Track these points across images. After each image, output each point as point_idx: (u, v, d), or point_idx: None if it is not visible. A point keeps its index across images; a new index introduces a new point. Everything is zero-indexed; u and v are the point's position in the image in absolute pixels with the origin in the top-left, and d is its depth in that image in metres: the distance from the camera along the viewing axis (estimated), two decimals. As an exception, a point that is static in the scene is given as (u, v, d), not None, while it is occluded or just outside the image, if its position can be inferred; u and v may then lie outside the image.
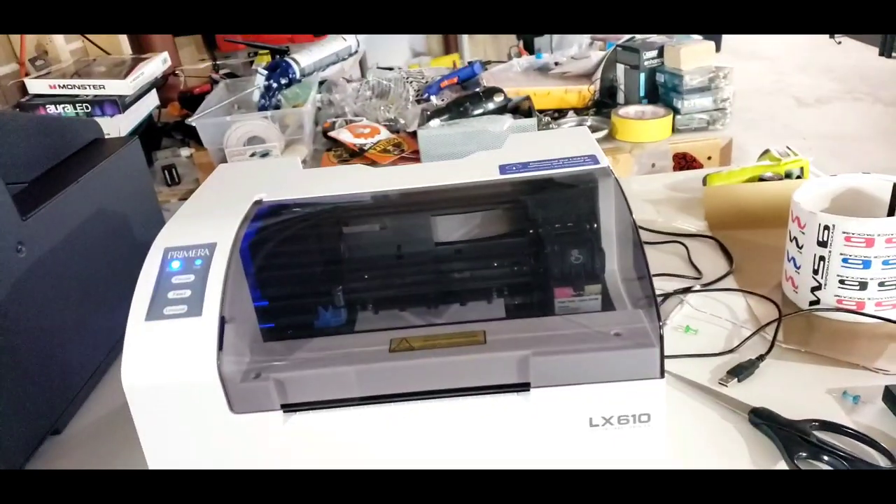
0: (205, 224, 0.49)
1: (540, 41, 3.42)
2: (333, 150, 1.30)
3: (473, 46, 3.42)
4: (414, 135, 1.25)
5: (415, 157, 1.20)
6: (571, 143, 0.56)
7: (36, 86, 1.21)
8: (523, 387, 0.43)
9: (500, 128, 1.14)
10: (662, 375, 0.42)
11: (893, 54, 4.59)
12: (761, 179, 0.94)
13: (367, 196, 0.53)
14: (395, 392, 0.44)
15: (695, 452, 0.56)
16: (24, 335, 0.62)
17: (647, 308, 0.44)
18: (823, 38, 5.44)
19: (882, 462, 0.52)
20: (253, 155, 1.20)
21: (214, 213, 0.51)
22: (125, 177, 0.85)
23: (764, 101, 4.08)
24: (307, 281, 0.54)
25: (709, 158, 1.16)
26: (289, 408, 0.44)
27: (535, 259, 0.52)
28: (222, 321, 0.43)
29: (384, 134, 1.28)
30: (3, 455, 0.58)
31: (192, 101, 1.63)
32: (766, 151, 1.00)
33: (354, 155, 1.28)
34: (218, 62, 1.82)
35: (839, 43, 5.27)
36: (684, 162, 1.17)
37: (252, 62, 1.91)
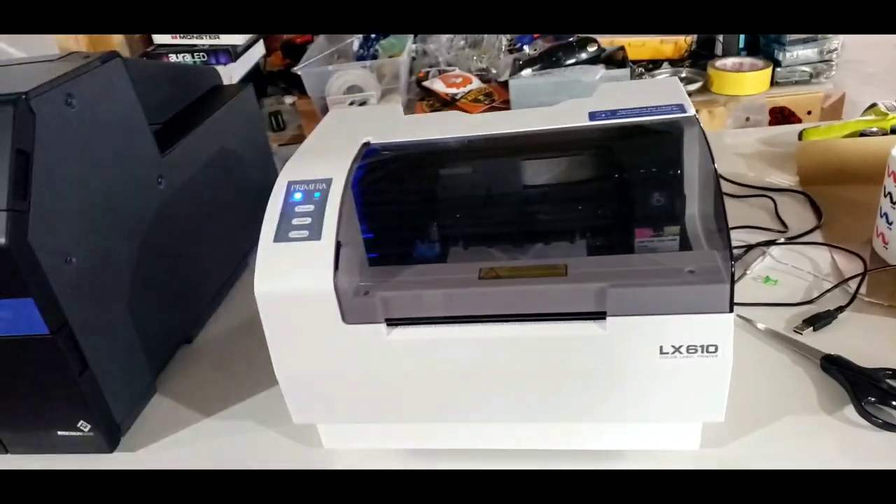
0: (322, 162, 0.56)
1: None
2: (426, 100, 1.35)
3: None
4: (505, 84, 1.28)
5: (505, 106, 1.23)
6: (661, 92, 0.59)
7: (161, 37, 1.32)
8: (600, 315, 0.48)
9: (591, 78, 1.15)
10: (731, 310, 0.45)
11: None
12: (862, 135, 0.92)
13: (462, 140, 0.59)
14: (482, 314, 0.50)
15: (765, 395, 0.59)
16: (163, 257, 0.72)
17: (721, 249, 0.47)
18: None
19: (951, 410, 0.54)
20: (352, 103, 1.27)
21: (329, 152, 0.58)
22: (241, 120, 0.94)
23: (887, 54, 3.78)
24: (407, 216, 0.61)
25: (808, 113, 1.13)
26: (392, 322, 0.51)
27: (618, 201, 0.56)
28: (338, 245, 0.50)
29: (476, 83, 1.32)
30: (146, 361, 0.69)
31: (293, 50, 1.72)
32: (873, 105, 0.98)
33: (446, 104, 1.32)
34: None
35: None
36: (781, 117, 1.15)
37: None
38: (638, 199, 0.54)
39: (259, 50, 1.45)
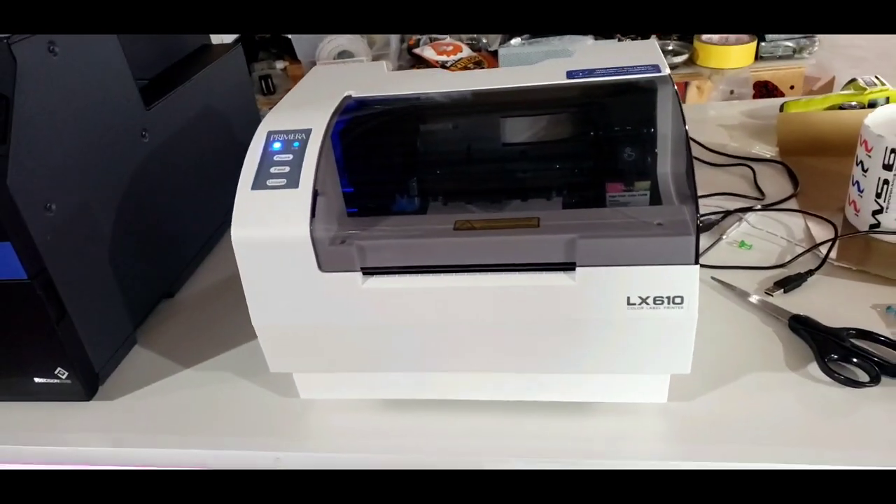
0: (302, 113, 0.56)
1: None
2: (416, 66, 1.35)
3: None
4: (495, 54, 1.28)
5: (495, 75, 1.24)
6: (638, 53, 0.60)
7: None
8: (570, 266, 0.49)
9: (580, 47, 1.15)
10: (696, 262, 0.46)
11: None
12: (841, 108, 0.93)
13: (443, 96, 0.59)
14: (456, 264, 0.51)
15: (735, 352, 0.60)
16: (146, 210, 0.73)
17: (688, 203, 0.48)
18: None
19: (911, 366, 0.55)
20: (341, 68, 1.27)
21: (310, 104, 0.58)
22: (229, 79, 0.94)
23: (878, 39, 3.78)
24: (387, 169, 0.61)
25: (791, 88, 1.14)
26: (367, 270, 0.52)
27: (592, 157, 0.57)
28: (315, 193, 0.51)
29: (466, 52, 1.32)
30: (126, 312, 0.69)
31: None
32: (853, 80, 0.98)
33: (437, 73, 1.33)
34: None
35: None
36: (765, 90, 1.15)
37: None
38: (610, 154, 0.55)
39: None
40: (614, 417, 0.56)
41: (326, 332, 0.54)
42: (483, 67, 1.29)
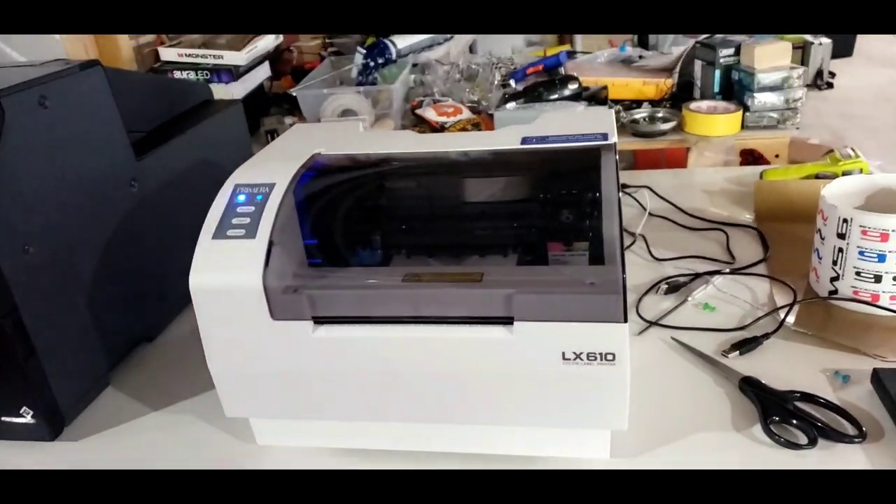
0: (269, 168, 0.60)
1: (654, 37, 3.36)
2: (419, 126, 1.40)
3: (585, 38, 3.40)
4: (493, 117, 1.33)
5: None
6: (593, 121, 0.63)
7: (167, 54, 1.39)
8: (508, 320, 0.51)
9: (574, 110, 1.20)
10: (625, 320, 0.48)
11: None
12: (817, 177, 0.95)
13: (406, 156, 0.63)
14: (402, 315, 0.53)
15: (685, 412, 0.61)
16: (131, 256, 0.76)
17: (616, 264, 0.50)
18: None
19: (850, 430, 0.55)
20: (342, 126, 1.32)
21: (279, 160, 0.62)
22: (227, 134, 0.99)
23: (889, 112, 3.80)
24: (349, 223, 0.64)
25: (776, 156, 1.16)
26: (318, 319, 0.54)
27: (540, 218, 0.60)
28: (270, 244, 0.54)
29: (466, 114, 1.37)
30: (101, 355, 0.72)
31: (303, 74, 1.79)
32: (830, 151, 1.01)
33: (435, 131, 1.37)
34: (332, 40, 1.97)
35: None
36: (751, 158, 1.18)
37: (364, 42, 2.05)
38: (555, 216, 0.57)
39: (264, 71, 1.52)
40: (559, 471, 0.56)
41: (279, 379, 0.57)
42: (480, 129, 1.34)
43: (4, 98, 0.60)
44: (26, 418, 0.64)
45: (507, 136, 0.63)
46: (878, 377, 0.60)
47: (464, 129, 1.37)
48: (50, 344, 0.64)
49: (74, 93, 0.69)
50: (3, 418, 0.64)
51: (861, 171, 0.94)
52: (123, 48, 1.38)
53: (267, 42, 1.50)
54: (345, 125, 0.74)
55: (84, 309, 0.69)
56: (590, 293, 0.49)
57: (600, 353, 0.50)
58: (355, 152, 0.64)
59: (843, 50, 3.88)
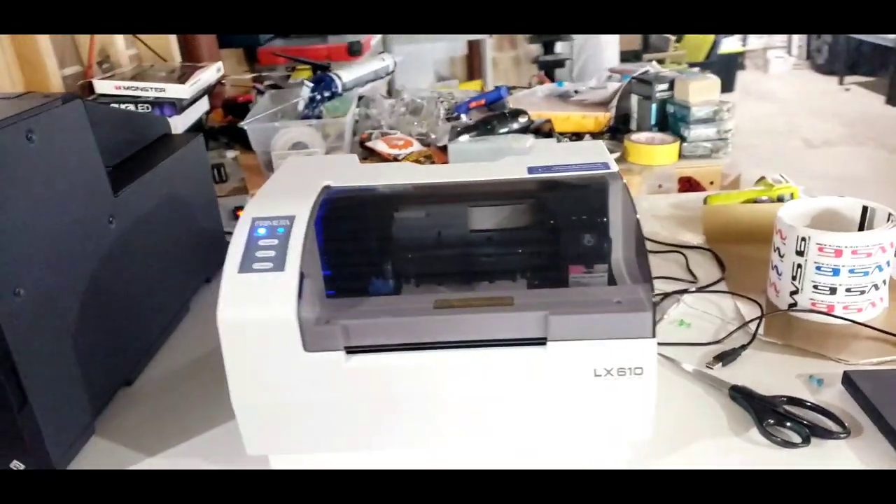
0: (284, 201, 0.60)
1: (560, 72, 3.56)
2: (369, 159, 1.41)
3: (496, 73, 3.55)
4: (443, 149, 1.36)
5: (442, 168, 1.31)
6: (588, 152, 0.67)
7: (103, 86, 1.33)
8: (541, 341, 0.53)
9: (523, 145, 1.24)
10: (654, 336, 0.52)
11: (898, 103, 4.65)
12: (755, 202, 1.05)
13: (417, 187, 0.64)
14: (436, 341, 0.54)
15: (683, 421, 0.65)
16: (108, 297, 0.73)
17: (643, 283, 0.54)
18: (833, 84, 5.58)
19: (835, 428, 0.62)
20: (294, 159, 1.32)
21: (291, 193, 0.62)
22: (191, 168, 0.97)
23: (775, 142, 4.21)
24: (363, 255, 0.65)
25: (711, 183, 1.27)
26: (350, 349, 0.54)
27: (555, 243, 0.63)
28: (301, 276, 0.54)
29: (416, 146, 1.40)
30: (87, 400, 0.68)
31: (235, 108, 1.76)
32: (762, 178, 1.11)
33: (386, 164, 1.39)
34: (261, 74, 1.95)
35: (847, 90, 5.41)
36: (688, 185, 1.28)
37: (289, 76, 2.05)
38: (571, 241, 0.61)
39: (203, 105, 1.49)
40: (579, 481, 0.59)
41: (308, 411, 0.56)
42: (433, 161, 1.37)
43: (-4, 133, 0.57)
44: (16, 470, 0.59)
45: (510, 166, 0.66)
46: (849, 379, 0.67)
47: (417, 161, 1.40)
48: (40, 391, 0.60)
49: (58, 127, 0.66)
50: (-10, 473, 0.59)
51: (792, 195, 1.05)
52: (52, 77, 1.31)
53: (210, 75, 1.47)
54: (340, 157, 0.75)
55: (70, 354, 0.65)
56: (621, 311, 0.52)
57: (629, 368, 0.53)
58: (363, 184, 0.65)
59: (725, 86, 4.27)
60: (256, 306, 0.53)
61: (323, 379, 0.55)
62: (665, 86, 1.33)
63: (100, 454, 0.67)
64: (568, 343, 0.53)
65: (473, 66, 3.43)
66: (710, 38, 4.85)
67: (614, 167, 0.63)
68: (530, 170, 0.64)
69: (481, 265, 0.65)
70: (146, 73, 1.46)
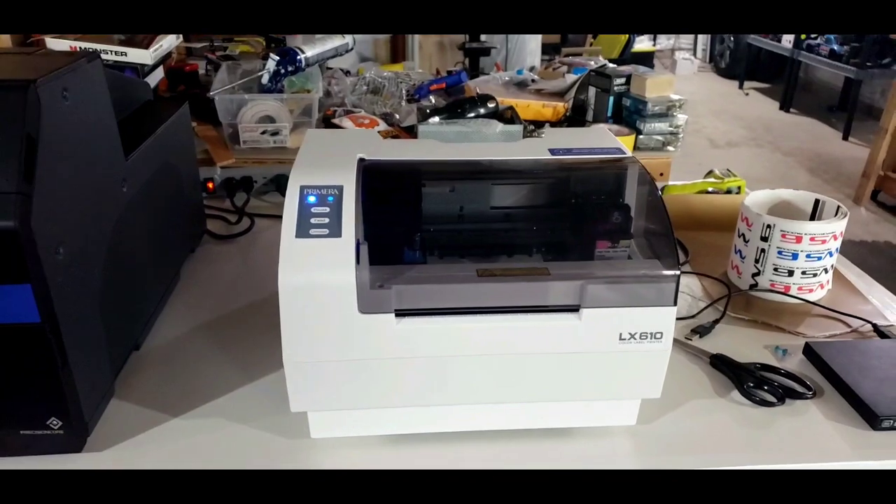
0: (327, 171, 0.62)
1: (485, 60, 3.62)
2: (332, 136, 1.42)
3: (421, 57, 3.57)
4: (409, 129, 1.39)
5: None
6: (598, 138, 0.73)
7: (56, 44, 1.27)
8: (575, 308, 0.59)
9: (492, 130, 1.29)
10: (675, 304, 0.59)
11: (791, 109, 5.11)
12: (707, 192, 1.15)
13: (444, 163, 0.68)
14: (480, 306, 0.59)
15: (673, 386, 0.73)
16: (121, 259, 0.72)
17: (666, 257, 0.61)
18: (734, 88, 6.01)
19: (801, 390, 0.71)
20: (264, 133, 1.31)
21: (330, 164, 0.64)
22: (179, 136, 0.95)
23: (683, 140, 4.49)
24: (398, 224, 0.68)
25: (661, 175, 1.37)
26: (400, 312, 0.58)
27: (578, 221, 0.69)
28: (357, 243, 0.57)
29: (382, 126, 1.42)
30: (107, 362, 0.68)
31: (182, 77, 1.71)
32: (711, 172, 1.22)
33: (350, 142, 1.40)
34: (212, 44, 1.89)
35: (747, 94, 5.84)
36: (641, 175, 1.38)
37: (226, 47, 2.00)
38: (596, 219, 0.67)
39: (159, 73, 1.44)
40: (589, 439, 0.65)
41: (356, 369, 0.59)
42: (397, 140, 1.39)
43: (41, 87, 0.56)
44: (53, 429, 0.59)
45: (530, 146, 0.71)
46: (810, 349, 0.77)
47: (379, 141, 1.42)
48: (76, 351, 0.60)
49: (85, 86, 0.65)
50: (23, 431, 0.59)
51: (740, 187, 1.16)
52: (1, 39, 1.24)
53: (170, 42, 1.42)
54: (359, 132, 0.77)
55: (96, 315, 0.65)
56: (650, 282, 0.58)
57: (651, 333, 0.60)
58: (396, 158, 0.68)
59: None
60: (316, 270, 0.56)
61: (373, 339, 0.58)
62: (622, 80, 1.42)
63: (122, 416, 0.67)
64: (600, 310, 0.59)
65: (397, 48, 3.43)
66: (624, 37, 5.07)
67: (627, 152, 0.69)
68: (552, 151, 0.69)
69: (509, 239, 0.70)
70: (104, 35, 1.40)
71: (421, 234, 0.68)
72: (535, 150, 0.70)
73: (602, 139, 0.73)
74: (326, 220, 0.58)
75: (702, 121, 4.98)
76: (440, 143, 0.71)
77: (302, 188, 0.60)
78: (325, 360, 0.58)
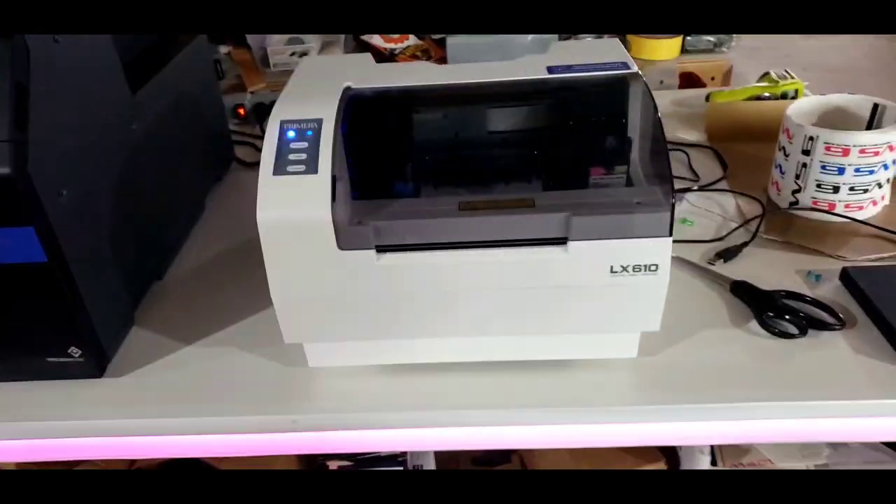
0: (309, 103, 0.61)
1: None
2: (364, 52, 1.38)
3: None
4: (440, 42, 1.34)
5: (441, 63, 1.29)
6: (606, 52, 0.67)
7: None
8: (562, 241, 0.56)
9: (524, 39, 1.23)
10: (671, 235, 0.55)
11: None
12: (759, 99, 1.06)
13: (435, 88, 0.65)
14: (461, 240, 0.57)
15: (687, 314, 0.70)
16: (136, 195, 0.75)
17: (662, 185, 0.56)
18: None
19: (831, 320, 0.66)
20: (293, 54, 1.29)
21: (314, 95, 0.62)
22: (197, 65, 0.95)
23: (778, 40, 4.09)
24: (385, 156, 0.66)
25: (712, 79, 1.26)
26: (381, 248, 0.57)
27: (574, 145, 0.65)
28: (334, 179, 0.56)
29: (412, 40, 1.37)
30: (126, 293, 0.72)
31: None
32: (766, 74, 1.11)
33: (384, 59, 1.37)
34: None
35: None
36: (689, 81, 1.28)
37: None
38: (591, 142, 0.63)
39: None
40: (591, 371, 0.64)
41: (341, 304, 0.60)
42: (430, 56, 1.35)
43: (28, 35, 0.57)
44: (74, 357, 0.64)
45: (529, 65, 0.66)
46: (847, 275, 0.71)
47: (414, 56, 1.38)
48: (87, 284, 0.63)
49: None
50: (49, 359, 0.64)
51: (797, 91, 1.05)
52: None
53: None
54: (354, 57, 0.75)
55: (109, 249, 0.68)
56: (639, 211, 0.55)
57: (645, 265, 0.57)
58: (383, 85, 0.65)
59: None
60: (293, 207, 0.56)
61: (355, 275, 0.58)
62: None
63: (141, 344, 0.71)
64: (588, 243, 0.56)
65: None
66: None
67: (634, 67, 0.63)
68: (550, 69, 0.64)
69: (501, 167, 0.67)
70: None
71: (412, 165, 0.66)
72: (533, 68, 0.65)
73: (612, 53, 0.67)
74: (304, 157, 0.57)
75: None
76: (434, 67, 0.68)
77: (282, 123, 0.59)
78: (310, 296, 0.59)
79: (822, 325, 0.66)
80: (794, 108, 0.82)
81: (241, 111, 1.18)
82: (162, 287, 0.80)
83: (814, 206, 0.81)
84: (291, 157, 0.57)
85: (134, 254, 0.74)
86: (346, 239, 0.56)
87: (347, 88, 0.64)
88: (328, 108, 0.60)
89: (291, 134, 0.58)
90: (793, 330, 0.66)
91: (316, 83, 0.66)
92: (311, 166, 0.56)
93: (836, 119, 0.84)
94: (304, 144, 0.58)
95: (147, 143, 0.77)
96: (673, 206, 0.54)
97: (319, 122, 0.59)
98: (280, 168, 0.57)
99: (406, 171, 0.67)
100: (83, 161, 0.64)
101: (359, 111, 0.64)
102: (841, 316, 0.67)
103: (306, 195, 0.56)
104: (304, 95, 0.63)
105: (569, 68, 0.64)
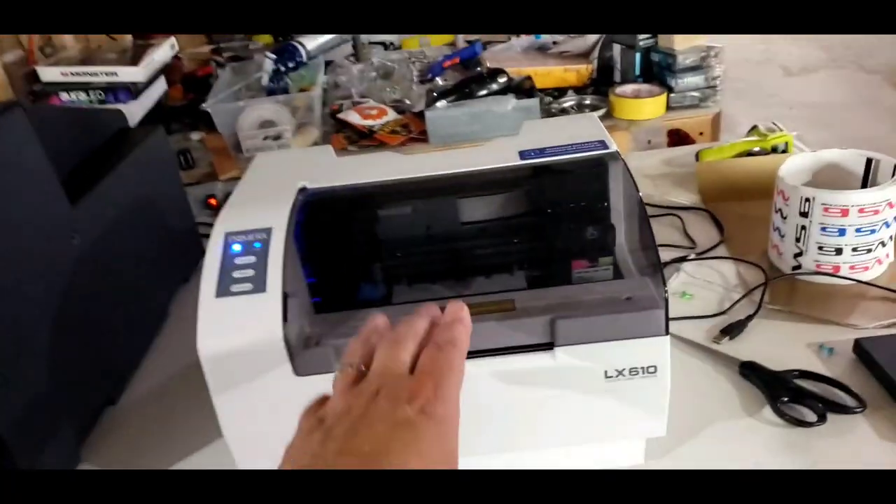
0: (258, 210, 0.55)
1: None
2: (343, 132, 1.35)
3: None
4: (420, 115, 1.30)
5: (423, 137, 1.26)
6: (583, 129, 0.63)
7: (48, 74, 1.25)
8: (548, 346, 0.50)
9: (504, 108, 1.19)
10: (667, 333, 0.49)
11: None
12: (749, 154, 1.01)
13: (399, 182, 0.60)
14: (435, 353, 0.51)
15: (694, 404, 0.63)
16: (82, 314, 0.68)
17: (653, 275, 0.50)
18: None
19: (850, 402, 0.59)
20: (266, 138, 1.25)
21: (265, 200, 0.57)
22: (154, 163, 0.91)
23: (752, 71, 4.12)
24: (350, 259, 0.61)
25: (700, 134, 1.22)
26: (345, 369, 0.51)
27: (553, 235, 0.59)
28: (285, 296, 0.50)
29: (391, 115, 1.34)
30: (69, 427, 0.65)
31: (195, 83, 1.67)
32: (754, 128, 1.07)
33: (363, 136, 1.33)
34: (219, 45, 1.85)
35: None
36: (677, 137, 1.24)
37: (248, 45, 1.94)
38: (571, 232, 0.57)
39: (161, 86, 1.40)
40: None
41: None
42: (410, 130, 1.32)
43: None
44: None
45: (499, 150, 0.61)
46: (861, 347, 0.64)
47: (394, 132, 1.34)
48: (18, 429, 0.56)
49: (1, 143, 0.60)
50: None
51: (787, 144, 1.01)
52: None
53: (164, 53, 1.38)
54: (313, 150, 0.70)
55: (46, 382, 0.61)
56: (632, 311, 0.49)
57: (642, 368, 0.50)
58: (341, 183, 0.60)
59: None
60: (239, 333, 0.49)
61: (317, 402, 0.51)
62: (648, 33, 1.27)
63: (89, 486, 0.63)
64: (577, 347, 0.50)
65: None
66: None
67: (612, 146, 0.58)
68: (522, 154, 0.59)
69: (476, 261, 0.61)
70: (94, 55, 1.38)
71: (381, 266, 0.61)
72: (504, 154, 0.60)
73: (588, 130, 0.62)
74: (251, 273, 0.51)
75: (774, 48, 4.58)
76: (400, 157, 0.63)
77: (227, 236, 0.54)
78: (266, 430, 0.52)
79: (840, 409, 0.59)
80: (787, 169, 0.77)
81: (213, 201, 1.13)
82: (116, 413, 0.73)
83: (818, 269, 0.75)
84: (236, 274, 0.51)
85: (81, 381, 0.67)
86: (302, 364, 0.50)
87: (302, 189, 0.59)
88: (278, 215, 0.54)
89: (237, 248, 0.53)
90: (811, 417, 0.59)
91: (267, 185, 0.61)
92: (259, 284, 0.50)
93: (830, 176, 0.79)
94: (252, 259, 0.52)
95: (95, 254, 0.71)
96: (667, 301, 0.48)
97: (268, 231, 0.53)
98: (223, 289, 0.51)
99: (374, 272, 0.61)
100: (10, 286, 0.58)
101: (316, 213, 0.59)
102: (860, 396, 0.60)
103: (254, 318, 0.49)
104: (253, 201, 0.58)
105: (541, 152, 0.59)
